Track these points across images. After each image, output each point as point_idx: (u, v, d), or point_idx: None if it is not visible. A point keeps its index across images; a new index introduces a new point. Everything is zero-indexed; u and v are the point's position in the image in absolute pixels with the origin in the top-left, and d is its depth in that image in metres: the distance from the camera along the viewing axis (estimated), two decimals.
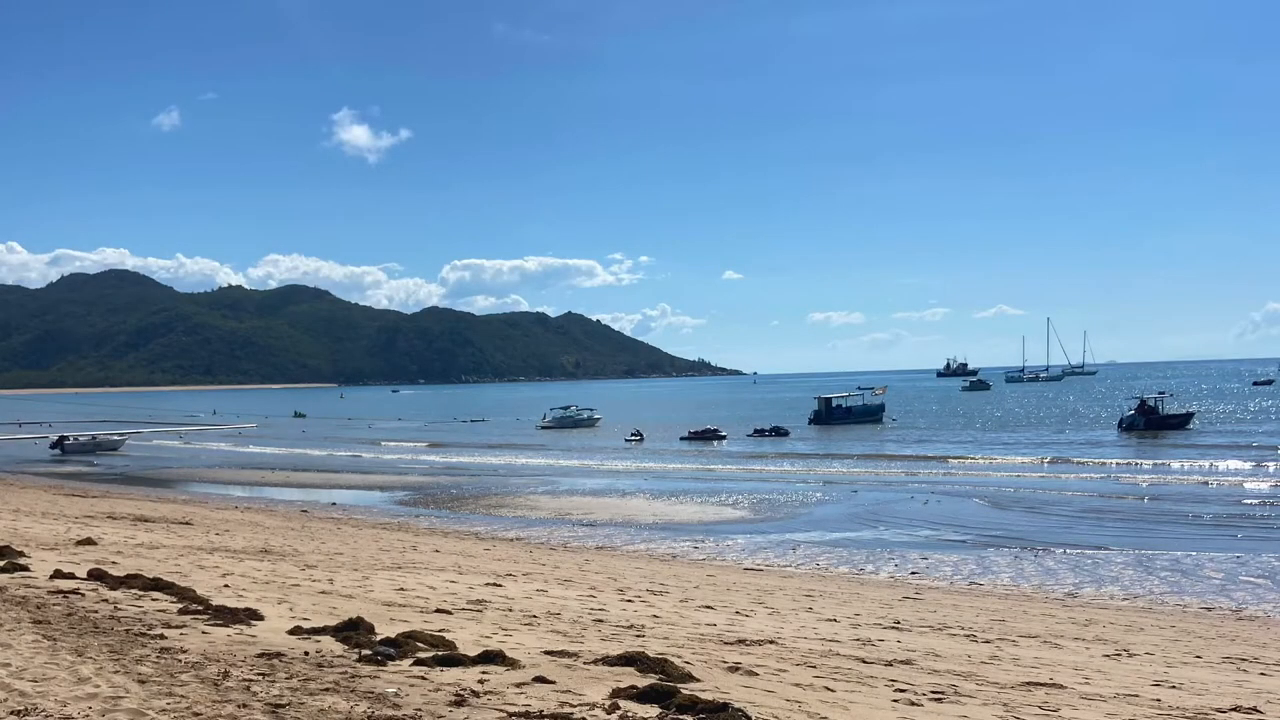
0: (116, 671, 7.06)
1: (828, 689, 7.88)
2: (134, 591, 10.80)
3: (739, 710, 6.42)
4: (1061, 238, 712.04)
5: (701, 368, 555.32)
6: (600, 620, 11.57)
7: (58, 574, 11.76)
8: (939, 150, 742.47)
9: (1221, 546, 24.36)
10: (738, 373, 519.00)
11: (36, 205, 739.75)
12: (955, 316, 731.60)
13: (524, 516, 32.25)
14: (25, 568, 12.42)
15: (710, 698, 6.69)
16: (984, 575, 20.96)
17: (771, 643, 10.43)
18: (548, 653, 8.46)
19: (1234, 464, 45.73)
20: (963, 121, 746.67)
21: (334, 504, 35.63)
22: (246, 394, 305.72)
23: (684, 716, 6.34)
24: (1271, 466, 44.95)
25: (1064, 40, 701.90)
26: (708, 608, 13.73)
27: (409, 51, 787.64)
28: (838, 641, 11.05)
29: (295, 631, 8.76)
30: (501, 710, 6.31)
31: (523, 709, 6.35)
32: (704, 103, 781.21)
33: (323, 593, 12.54)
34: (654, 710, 6.43)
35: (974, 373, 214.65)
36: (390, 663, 7.53)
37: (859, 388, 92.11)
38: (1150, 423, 66.19)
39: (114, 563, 14.04)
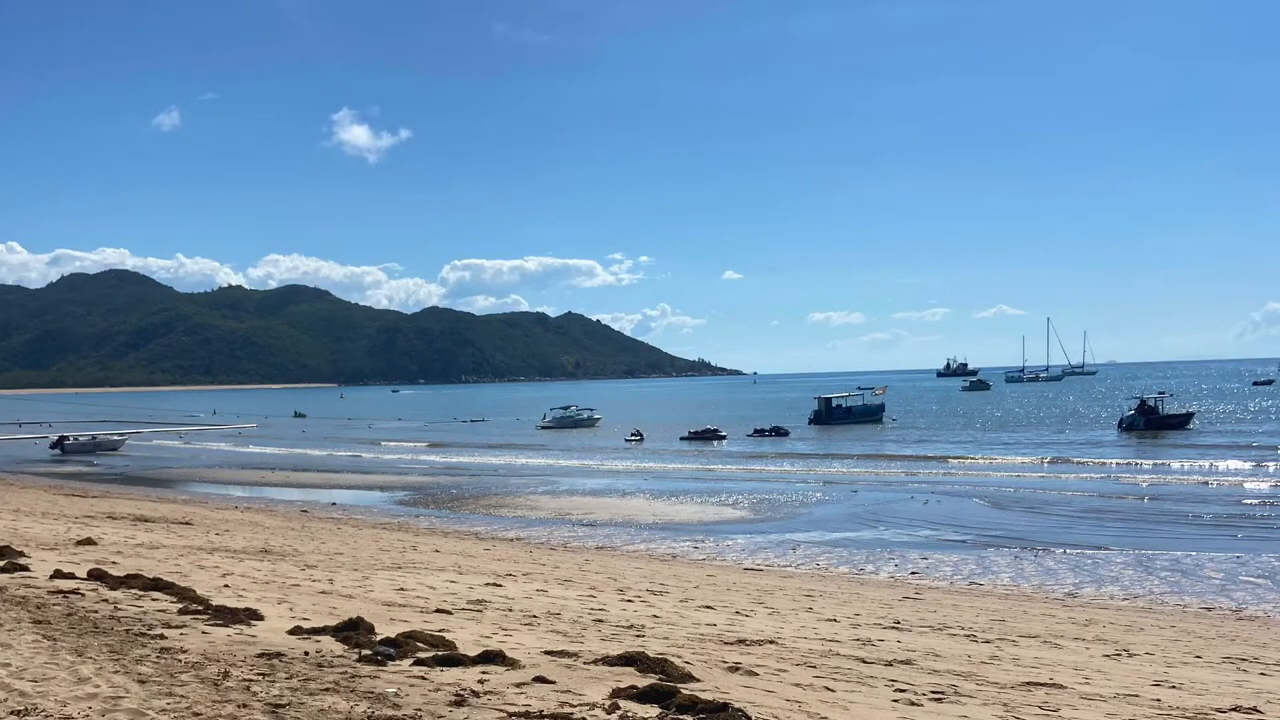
0: (116, 671, 7.06)
1: (828, 689, 7.88)
2: (134, 591, 10.80)
3: (739, 710, 6.42)
4: (1061, 238, 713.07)
5: (701, 368, 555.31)
6: (600, 620, 11.57)
7: (58, 574, 11.76)
8: (939, 150, 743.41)
9: (1221, 546, 24.36)
10: (738, 373, 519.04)
11: (36, 205, 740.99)
12: (955, 316, 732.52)
13: (524, 516, 32.25)
14: (25, 568, 12.42)
15: (710, 698, 6.69)
16: (984, 575, 20.96)
17: (771, 643, 10.43)
18: (548, 653, 8.46)
19: (1234, 464, 45.73)
20: (963, 121, 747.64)
21: (334, 504, 35.62)
22: (246, 394, 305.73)
23: (684, 716, 6.34)
24: (1271, 466, 44.95)
25: (1064, 40, 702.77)
26: (708, 608, 13.73)
27: (409, 51, 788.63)
28: (838, 641, 11.05)
29: (295, 631, 8.76)
30: (501, 710, 6.31)
31: (523, 709, 6.35)
32: (704, 103, 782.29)
33: (323, 593, 12.54)
34: (654, 710, 6.43)
35: (974, 373, 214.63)
36: (390, 663, 7.52)
37: (859, 388, 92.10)
38: (1150, 423, 66.19)
39: (114, 563, 14.04)
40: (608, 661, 7.96)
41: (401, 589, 13.42)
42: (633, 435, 71.20)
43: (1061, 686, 8.83)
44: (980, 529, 28.00)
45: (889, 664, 9.54)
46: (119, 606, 9.82)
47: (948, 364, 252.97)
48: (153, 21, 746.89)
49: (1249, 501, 33.70)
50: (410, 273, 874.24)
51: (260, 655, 7.70)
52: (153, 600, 10.29)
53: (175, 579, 11.99)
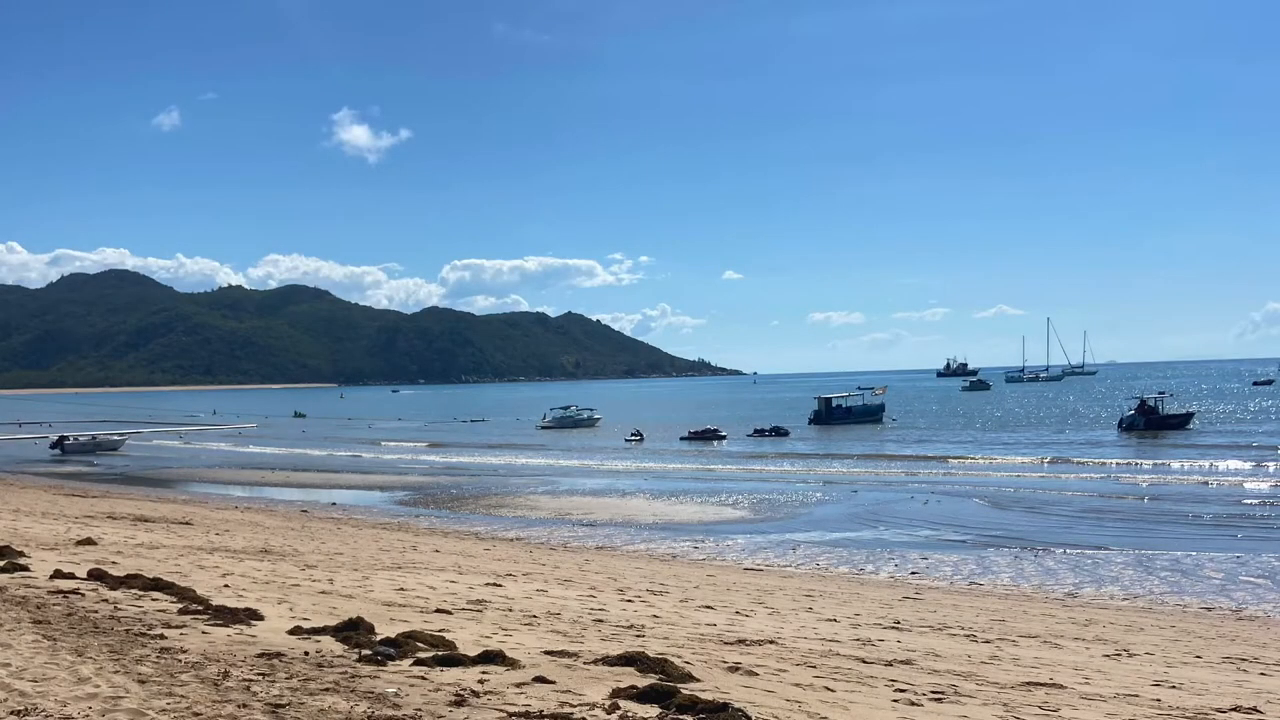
0: (116, 671, 7.06)
1: (828, 689, 7.88)
2: (134, 591, 10.80)
3: (739, 710, 6.42)
4: (1061, 238, 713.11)
5: (701, 368, 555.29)
6: (600, 620, 11.57)
7: (58, 574, 11.76)
8: (939, 150, 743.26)
9: (1221, 546, 24.36)
10: (738, 373, 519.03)
11: (36, 205, 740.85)
12: (955, 316, 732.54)
13: (524, 516, 32.25)
14: (25, 568, 12.42)
15: (710, 698, 6.69)
16: (984, 575, 20.96)
17: (771, 643, 10.43)
18: (548, 653, 8.46)
19: (1234, 464, 45.73)
20: (963, 121, 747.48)
21: (334, 504, 35.63)
22: (246, 394, 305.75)
23: (684, 716, 6.34)
24: (1271, 466, 44.95)
25: (1064, 40, 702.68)
26: (708, 608, 13.73)
27: (409, 51, 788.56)
28: (838, 641, 11.05)
29: (295, 631, 8.76)
30: (501, 710, 6.31)
31: (523, 709, 6.35)
32: (704, 103, 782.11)
33: (323, 593, 12.54)
34: (654, 710, 6.43)
35: (974, 373, 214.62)
36: (390, 663, 7.52)
37: (859, 388, 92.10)
38: (1150, 423, 66.19)
39: (114, 563, 14.04)
40: (608, 661, 7.96)
41: (401, 589, 13.42)
42: (633, 435, 71.20)
43: (1061, 686, 8.83)
44: (980, 529, 28.00)
45: (889, 664, 9.54)
46: (119, 606, 9.81)
47: (948, 364, 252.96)
48: (153, 21, 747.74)
49: (1249, 501, 33.70)
50: (410, 273, 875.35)
51: (260, 655, 7.70)
52: (153, 600, 10.29)
53: (175, 579, 11.99)
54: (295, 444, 72.87)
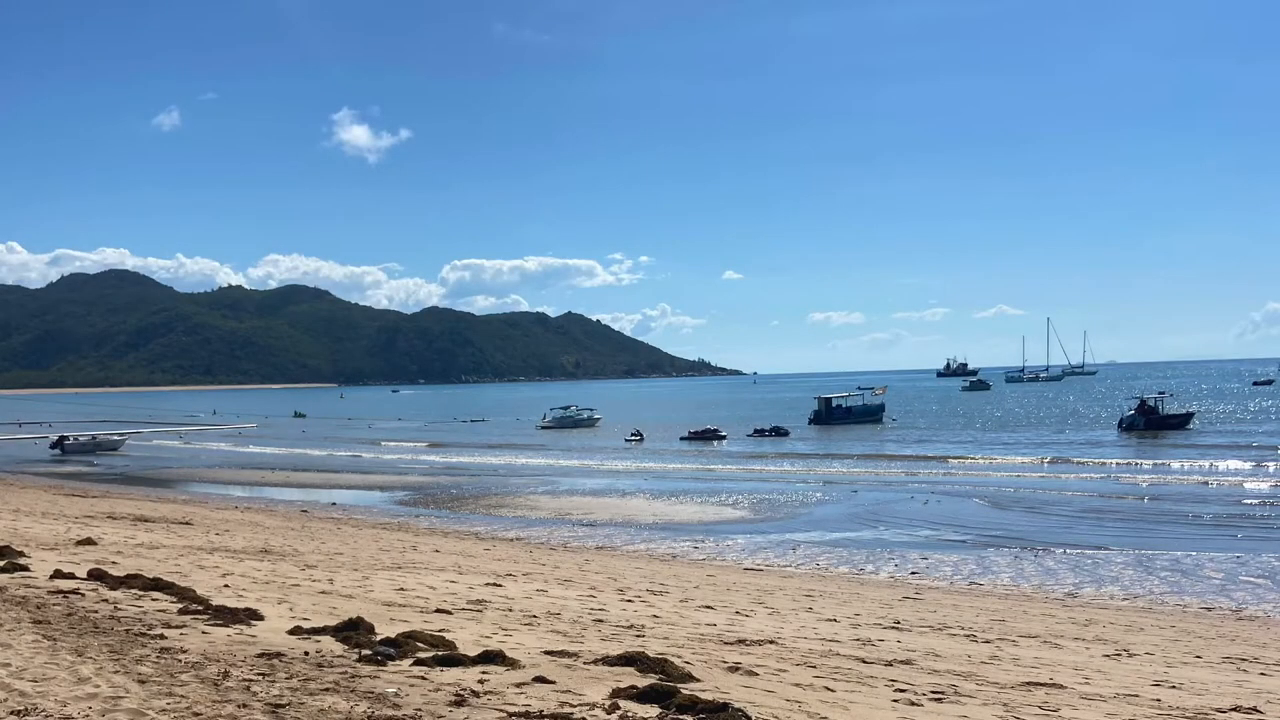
0: (116, 671, 7.06)
1: (828, 689, 7.88)
2: (134, 591, 10.80)
3: (739, 710, 6.42)
4: (1061, 238, 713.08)
5: (701, 368, 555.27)
6: (600, 620, 11.57)
7: (58, 574, 11.76)
8: (939, 150, 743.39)
9: (1221, 546, 24.36)
10: (738, 373, 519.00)
11: (36, 205, 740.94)
12: (955, 316, 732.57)
13: (524, 516, 32.25)
14: (25, 568, 12.42)
15: (710, 698, 6.69)
16: (984, 575, 20.96)
17: (771, 643, 10.43)
18: (548, 653, 8.46)
19: (1234, 464, 45.72)
20: (963, 121, 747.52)
21: (334, 504, 35.63)
22: (246, 394, 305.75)
23: (684, 716, 6.34)
24: (1271, 466, 44.95)
25: (1064, 40, 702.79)
26: (708, 608, 13.73)
27: (409, 51, 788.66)
28: (838, 641, 11.05)
29: (295, 631, 8.76)
30: (501, 710, 6.31)
31: (523, 709, 6.35)
32: (704, 103, 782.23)
33: (323, 593, 12.54)
34: (654, 710, 6.43)
35: (974, 373, 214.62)
36: (390, 663, 7.53)
37: (859, 388, 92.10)
38: (1150, 423, 66.19)
39: (114, 563, 14.04)
40: (608, 661, 7.96)
41: (401, 589, 13.42)
42: (633, 435, 71.21)
43: (1061, 686, 8.83)
44: (980, 529, 28.00)
45: (889, 664, 9.54)
46: (119, 606, 9.81)
47: (948, 364, 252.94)
48: (153, 21, 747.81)
49: (1249, 501, 33.69)
50: (410, 273, 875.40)
51: (260, 655, 7.70)
52: (153, 600, 10.29)
53: (175, 579, 11.99)
54: (295, 444, 72.87)
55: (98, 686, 6.64)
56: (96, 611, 9.51)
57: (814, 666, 9.02)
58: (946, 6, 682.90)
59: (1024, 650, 11.41)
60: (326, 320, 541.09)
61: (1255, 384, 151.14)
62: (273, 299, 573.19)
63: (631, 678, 7.31)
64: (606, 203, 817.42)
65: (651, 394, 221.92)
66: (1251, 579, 20.26)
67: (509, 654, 7.93)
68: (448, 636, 8.71)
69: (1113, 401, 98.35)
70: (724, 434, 70.46)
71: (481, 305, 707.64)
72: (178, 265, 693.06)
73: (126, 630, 8.60)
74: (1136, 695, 8.70)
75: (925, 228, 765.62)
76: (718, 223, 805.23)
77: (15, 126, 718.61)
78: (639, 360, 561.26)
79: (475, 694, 6.68)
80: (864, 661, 9.59)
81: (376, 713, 6.17)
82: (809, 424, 79.94)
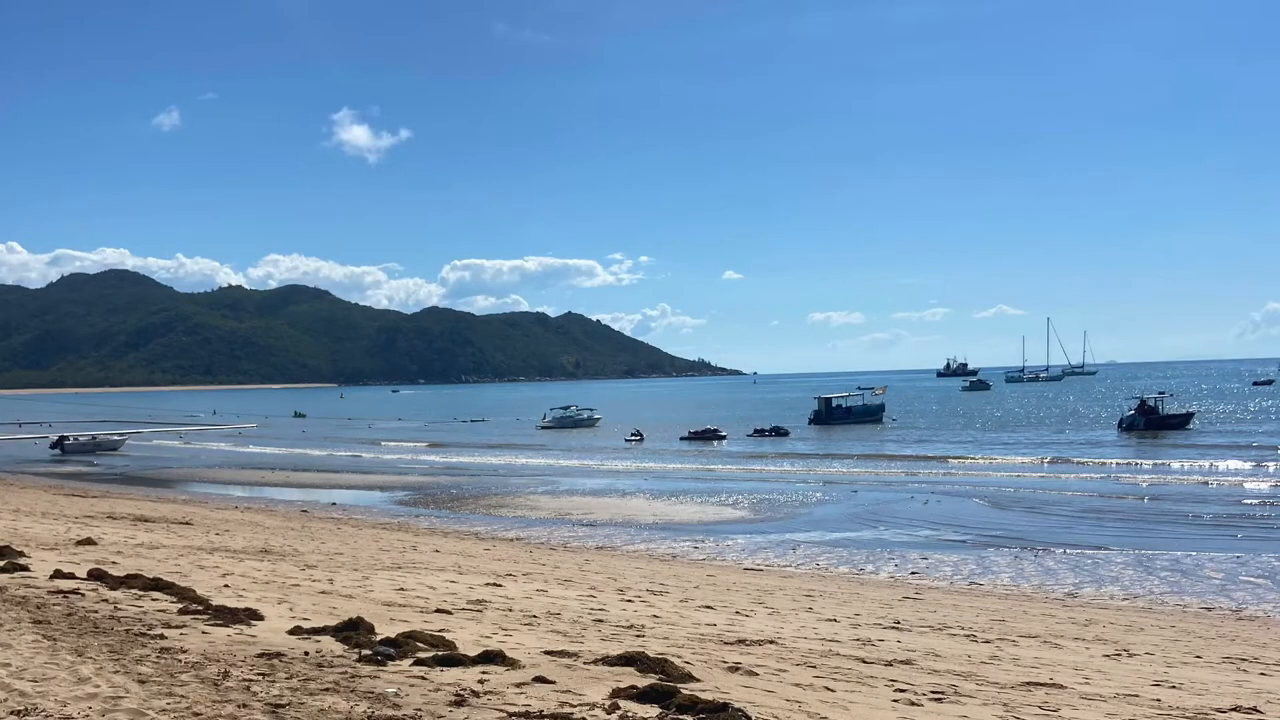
0: (116, 671, 7.06)
1: (828, 689, 7.88)
2: (134, 591, 10.80)
3: (739, 710, 6.42)
4: (1061, 238, 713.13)
5: (701, 368, 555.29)
6: (600, 620, 11.57)
7: (58, 574, 11.76)
8: (939, 150, 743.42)
9: (1221, 546, 24.36)
10: (738, 373, 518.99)
11: (36, 205, 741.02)
12: (955, 316, 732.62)
13: (524, 516, 32.25)
14: (25, 568, 12.42)
15: (710, 698, 6.69)
16: (984, 575, 20.96)
17: (771, 643, 10.43)
18: (548, 653, 8.46)
19: (1234, 464, 45.72)
20: (963, 121, 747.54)
21: (334, 504, 35.63)
22: (246, 394, 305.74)
23: (684, 716, 6.34)
24: (1271, 466, 44.95)
25: (1064, 40, 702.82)
26: (708, 608, 13.73)
27: (409, 51, 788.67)
28: (838, 641, 11.05)
29: (295, 631, 8.76)
30: (501, 710, 6.31)
31: (523, 709, 6.35)
32: (704, 103, 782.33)
33: (323, 593, 12.54)
34: (654, 710, 6.43)
35: (974, 373, 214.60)
36: (390, 663, 7.53)
37: (859, 388, 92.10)
38: (1150, 423, 66.19)
39: (114, 563, 14.04)
40: (608, 661, 7.96)
41: (401, 589, 13.42)
42: (633, 435, 71.21)
43: (1061, 686, 8.83)
44: (980, 529, 28.00)
45: (889, 664, 9.54)
46: (119, 606, 9.81)
47: (948, 364, 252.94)
48: (153, 21, 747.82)
49: (1249, 501, 33.70)
50: (410, 273, 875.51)
51: (260, 655, 7.70)
52: (153, 600, 10.29)
53: (175, 579, 11.99)
54: (295, 444, 72.87)
55: (98, 686, 6.64)
56: (96, 611, 9.51)
57: (814, 666, 9.02)
58: (946, 6, 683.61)
59: (1024, 650, 11.42)
60: (326, 320, 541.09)
61: (1255, 384, 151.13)
62: (273, 299, 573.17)
63: (631, 678, 7.31)
64: (606, 203, 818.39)
65: (651, 394, 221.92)
66: (1251, 579, 20.26)
67: (509, 654, 7.93)
68: (448, 636, 8.71)
69: (1113, 401, 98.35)
70: (724, 434, 70.46)
71: (481, 305, 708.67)
72: (178, 265, 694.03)
73: (126, 630, 8.60)
74: (1136, 695, 8.70)
75: (925, 228, 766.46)
76: (718, 223, 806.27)
77: (15, 126, 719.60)
78: (639, 360, 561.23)
79: (475, 694, 6.68)
80: (864, 661, 9.59)
81: (376, 713, 6.17)
82: (809, 424, 79.94)
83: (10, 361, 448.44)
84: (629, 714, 6.35)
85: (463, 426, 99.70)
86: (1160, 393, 74.99)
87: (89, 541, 17.36)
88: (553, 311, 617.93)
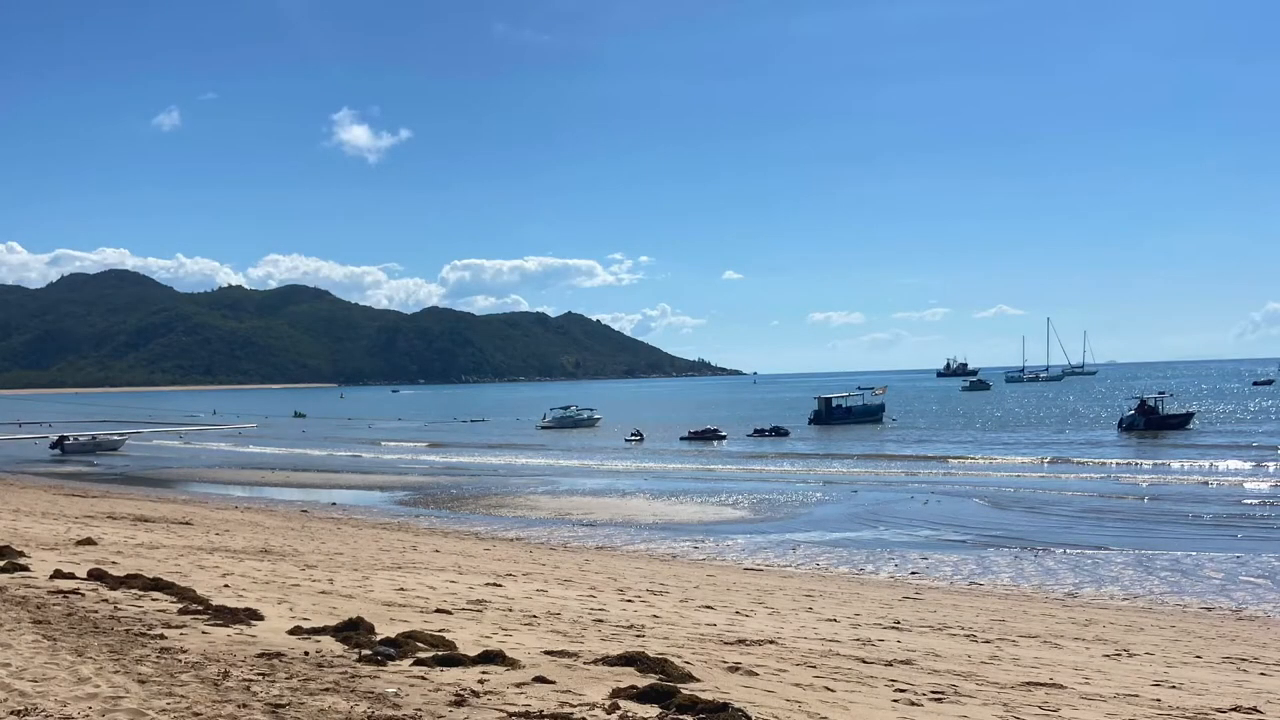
0: (116, 671, 7.06)
1: (828, 689, 7.88)
2: (134, 591, 10.80)
3: (739, 710, 6.42)
4: (1061, 238, 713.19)
5: (701, 368, 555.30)
6: (600, 620, 11.57)
7: (58, 574, 11.76)
8: (939, 150, 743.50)
9: (1221, 546, 24.35)
10: (738, 373, 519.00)
11: (36, 205, 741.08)
12: (955, 316, 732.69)
13: (524, 516, 32.25)
14: (25, 568, 12.42)
15: (710, 698, 6.69)
16: (984, 575, 20.96)
17: (771, 643, 10.43)
18: (548, 653, 8.46)
19: (1234, 464, 45.72)
20: (963, 121, 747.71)
21: (334, 504, 35.63)
22: (246, 394, 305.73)
23: (684, 716, 6.34)
24: (1271, 466, 44.95)
25: (1064, 40, 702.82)
26: (708, 608, 13.73)
27: (409, 51, 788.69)
28: (838, 641, 11.05)
29: (295, 631, 8.76)
30: (501, 710, 6.31)
31: (523, 709, 6.35)
32: (704, 103, 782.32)
33: (323, 593, 12.54)
34: (654, 710, 6.42)
35: (974, 373, 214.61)
36: (390, 663, 7.53)
37: (859, 388, 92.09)
38: (1150, 423, 66.18)
39: (114, 563, 14.04)
40: (608, 661, 7.96)
41: (401, 589, 13.42)
42: (633, 435, 71.20)
43: (1061, 686, 8.83)
44: (980, 529, 27.99)
45: (889, 664, 9.54)
46: (119, 606, 9.81)
47: (948, 364, 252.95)
48: (153, 21, 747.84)
49: (1249, 501, 33.69)
50: (410, 273, 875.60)
51: (260, 655, 7.70)
52: (153, 600, 10.29)
53: (175, 579, 11.99)
54: (295, 444, 72.87)
55: (98, 686, 6.64)
56: (96, 611, 9.51)
57: (814, 666, 9.02)
58: (946, 6, 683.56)
59: (1024, 650, 11.41)
60: (326, 320, 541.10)
61: (1255, 384, 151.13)
62: (273, 299, 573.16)
63: (631, 678, 7.31)
64: (606, 203, 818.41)
65: (651, 394, 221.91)
66: (1251, 579, 20.26)
67: (509, 654, 7.93)
68: (448, 636, 8.71)
69: (1113, 401, 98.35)
70: (724, 434, 70.46)
71: (481, 305, 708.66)
72: (178, 265, 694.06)
73: (126, 630, 8.60)
74: (1136, 695, 8.70)
75: (925, 228, 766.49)
76: (718, 223, 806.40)
77: (15, 126, 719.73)
78: (639, 360, 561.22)
79: (475, 694, 6.68)
80: (864, 661, 9.59)
81: (376, 713, 6.17)
82: (809, 424, 79.94)
83: (10, 361, 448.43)
84: (629, 714, 6.34)
85: (463, 426, 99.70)
86: (1160, 393, 74.99)
87: (89, 541, 17.36)
88: (553, 311, 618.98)
